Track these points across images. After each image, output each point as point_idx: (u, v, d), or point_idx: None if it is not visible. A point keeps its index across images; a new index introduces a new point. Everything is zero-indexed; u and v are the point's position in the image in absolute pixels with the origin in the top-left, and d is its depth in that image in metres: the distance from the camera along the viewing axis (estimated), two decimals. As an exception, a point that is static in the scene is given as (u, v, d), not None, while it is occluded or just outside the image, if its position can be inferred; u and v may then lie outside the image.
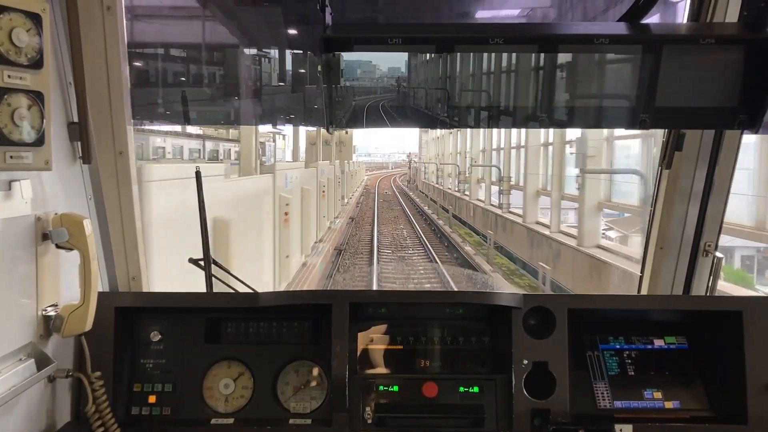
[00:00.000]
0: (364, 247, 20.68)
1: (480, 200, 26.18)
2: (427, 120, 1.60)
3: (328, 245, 17.58)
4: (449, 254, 19.83)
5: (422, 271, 16.33)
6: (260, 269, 9.73)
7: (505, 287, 14.20)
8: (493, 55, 1.54)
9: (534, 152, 18.41)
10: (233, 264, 7.34)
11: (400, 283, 15.02)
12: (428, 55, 1.55)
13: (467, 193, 28.83)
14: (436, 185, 39.66)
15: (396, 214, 31.87)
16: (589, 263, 11.83)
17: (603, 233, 13.58)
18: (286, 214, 11.00)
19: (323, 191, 18.19)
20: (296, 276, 12.30)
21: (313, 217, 15.55)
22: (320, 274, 14.11)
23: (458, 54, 1.53)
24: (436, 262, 17.56)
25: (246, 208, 9.00)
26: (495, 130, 22.34)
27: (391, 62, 1.52)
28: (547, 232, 15.28)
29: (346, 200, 31.33)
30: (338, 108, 1.55)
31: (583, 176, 12.84)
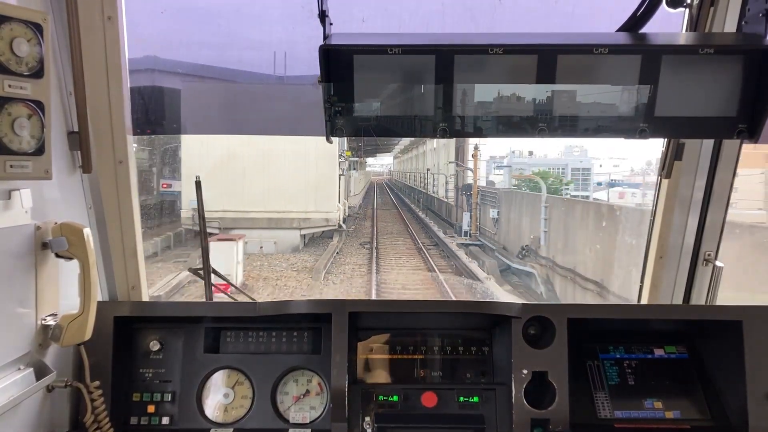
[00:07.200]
0: (372, 191, 57.55)
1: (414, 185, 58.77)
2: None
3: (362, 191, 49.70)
4: (391, 195, 58.45)
5: (387, 193, 62.02)
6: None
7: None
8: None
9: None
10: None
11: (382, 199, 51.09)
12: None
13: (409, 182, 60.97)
14: (401, 180, 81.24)
15: (382, 187, 75.26)
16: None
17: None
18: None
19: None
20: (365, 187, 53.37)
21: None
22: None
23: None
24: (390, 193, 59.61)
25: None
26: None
27: None
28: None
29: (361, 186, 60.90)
30: (337, 118, 1.55)
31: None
